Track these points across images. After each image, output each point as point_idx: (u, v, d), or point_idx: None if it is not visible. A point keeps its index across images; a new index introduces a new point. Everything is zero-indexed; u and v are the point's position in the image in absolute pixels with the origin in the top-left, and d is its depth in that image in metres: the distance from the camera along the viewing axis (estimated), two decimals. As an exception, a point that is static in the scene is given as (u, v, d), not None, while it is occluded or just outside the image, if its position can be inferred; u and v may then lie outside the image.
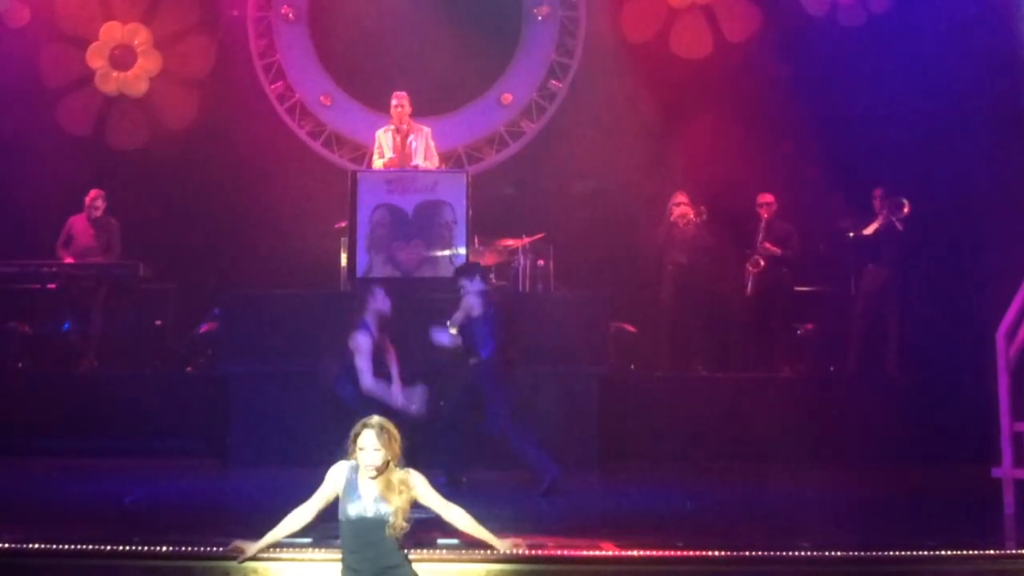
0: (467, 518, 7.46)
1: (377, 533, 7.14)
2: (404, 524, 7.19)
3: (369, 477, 7.19)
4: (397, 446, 7.26)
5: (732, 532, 9.54)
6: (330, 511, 7.32)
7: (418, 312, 12.77)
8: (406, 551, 7.29)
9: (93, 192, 15.52)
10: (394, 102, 14.82)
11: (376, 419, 7.27)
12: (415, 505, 7.33)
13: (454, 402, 12.04)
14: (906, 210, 14.94)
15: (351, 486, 7.23)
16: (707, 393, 14.47)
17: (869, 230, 15.14)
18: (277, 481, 11.73)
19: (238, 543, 7.66)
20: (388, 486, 7.20)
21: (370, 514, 7.14)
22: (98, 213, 15.50)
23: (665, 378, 15.04)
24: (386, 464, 7.20)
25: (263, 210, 16.44)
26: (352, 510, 7.17)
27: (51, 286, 15.21)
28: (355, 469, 7.26)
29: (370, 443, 7.18)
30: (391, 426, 7.29)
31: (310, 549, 8.15)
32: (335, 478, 7.30)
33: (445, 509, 7.43)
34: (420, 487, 7.33)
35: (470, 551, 8.07)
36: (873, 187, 15.28)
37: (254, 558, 7.72)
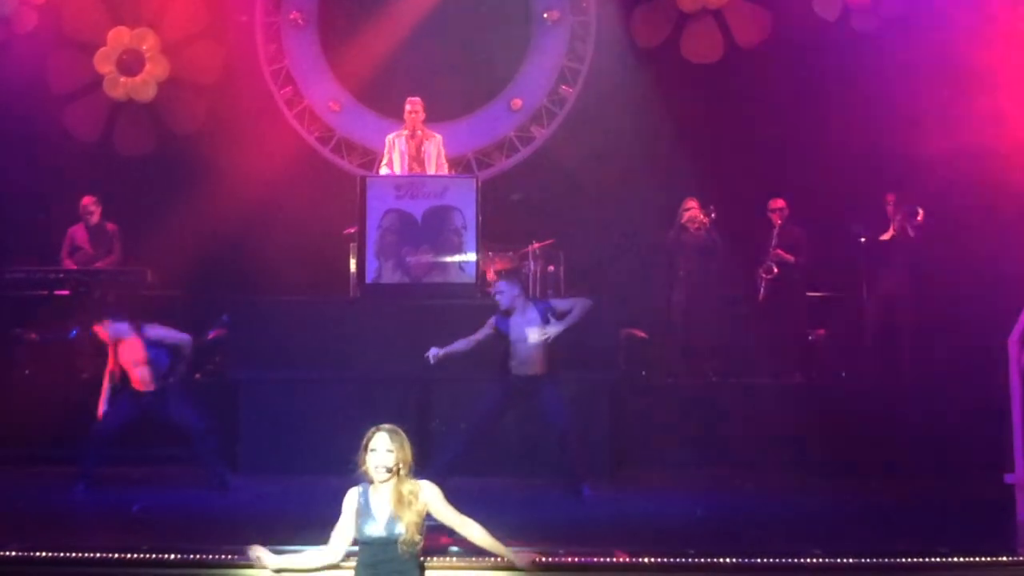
0: (483, 533, 7.47)
1: (393, 551, 7.14)
2: (418, 539, 7.18)
3: (380, 481, 7.20)
4: (409, 452, 7.26)
5: (744, 539, 9.49)
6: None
7: (428, 318, 12.83)
8: (422, 559, 7.29)
9: (85, 199, 15.55)
10: (408, 107, 14.76)
11: (388, 424, 7.29)
12: (427, 515, 7.34)
13: (552, 411, 12.01)
14: (920, 218, 14.89)
15: (364, 507, 7.25)
16: (718, 400, 14.42)
17: (885, 236, 15.10)
18: (286, 488, 11.72)
19: (258, 551, 7.67)
20: (400, 499, 7.21)
21: (384, 533, 7.14)
22: (94, 220, 15.52)
23: (676, 385, 14.98)
24: (397, 468, 7.20)
25: (272, 216, 16.42)
26: (368, 530, 7.19)
27: (58, 292, 15.18)
28: (365, 491, 7.27)
29: (382, 444, 7.21)
30: (402, 432, 7.30)
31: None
32: (349, 505, 7.32)
33: (460, 524, 7.44)
34: (435, 501, 7.34)
35: (482, 559, 8.04)
36: (885, 192, 15.24)
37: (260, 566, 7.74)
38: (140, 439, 13.42)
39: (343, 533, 7.43)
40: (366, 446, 7.27)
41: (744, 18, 16.73)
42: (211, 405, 13.56)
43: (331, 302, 14.51)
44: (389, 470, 7.20)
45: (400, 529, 7.15)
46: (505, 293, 11.85)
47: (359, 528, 7.23)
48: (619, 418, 13.48)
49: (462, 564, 8.05)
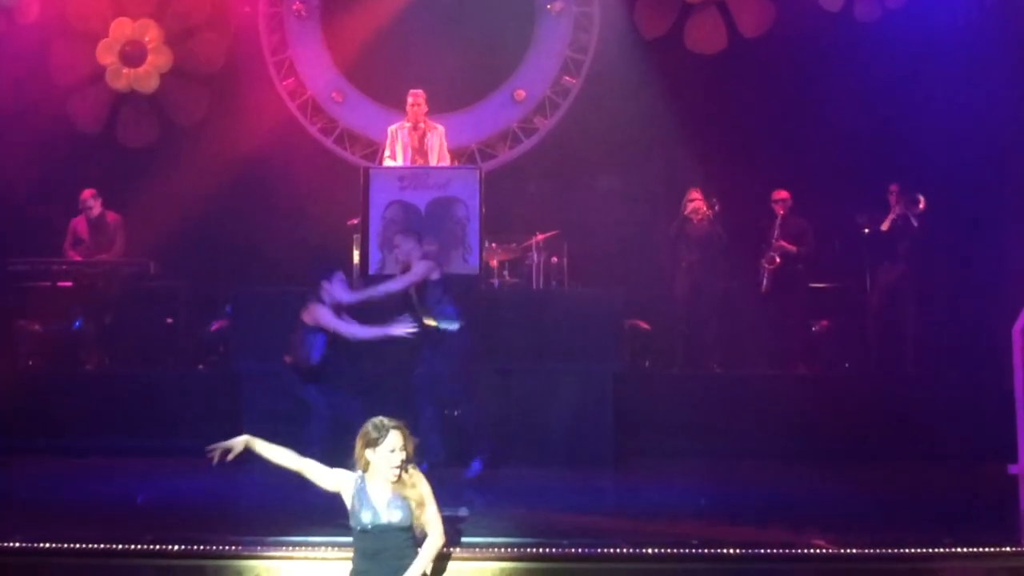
0: (434, 546, 7.36)
1: (392, 538, 7.12)
2: (415, 524, 7.18)
3: (392, 480, 7.16)
4: (411, 445, 7.26)
5: (747, 529, 9.48)
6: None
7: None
8: (419, 549, 7.28)
9: (85, 193, 15.50)
10: (410, 100, 14.73)
11: (393, 420, 7.26)
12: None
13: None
14: (921, 206, 14.89)
15: (361, 496, 7.22)
16: (722, 390, 14.40)
17: (884, 225, 15.10)
18: (289, 479, 11.67)
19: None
20: (401, 487, 7.19)
21: (384, 521, 7.13)
22: (94, 213, 15.48)
23: (680, 375, 14.99)
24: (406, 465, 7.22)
25: (275, 207, 16.44)
26: (366, 519, 7.16)
27: (62, 284, 15.17)
28: (362, 480, 7.24)
29: (398, 444, 7.17)
30: (404, 425, 7.29)
31: (323, 548, 8.12)
32: (343, 484, 7.31)
33: (430, 524, 7.34)
34: (426, 490, 7.31)
35: (484, 550, 8.04)
36: (888, 183, 15.22)
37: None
38: (141, 432, 13.49)
39: (319, 474, 7.52)
40: (372, 443, 7.22)
41: (748, 8, 16.66)
42: (214, 396, 13.62)
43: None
44: (400, 468, 7.19)
45: (399, 517, 7.14)
46: (401, 247, 12.04)
47: (356, 517, 7.21)
48: (622, 408, 13.45)
49: (462, 555, 8.04)
